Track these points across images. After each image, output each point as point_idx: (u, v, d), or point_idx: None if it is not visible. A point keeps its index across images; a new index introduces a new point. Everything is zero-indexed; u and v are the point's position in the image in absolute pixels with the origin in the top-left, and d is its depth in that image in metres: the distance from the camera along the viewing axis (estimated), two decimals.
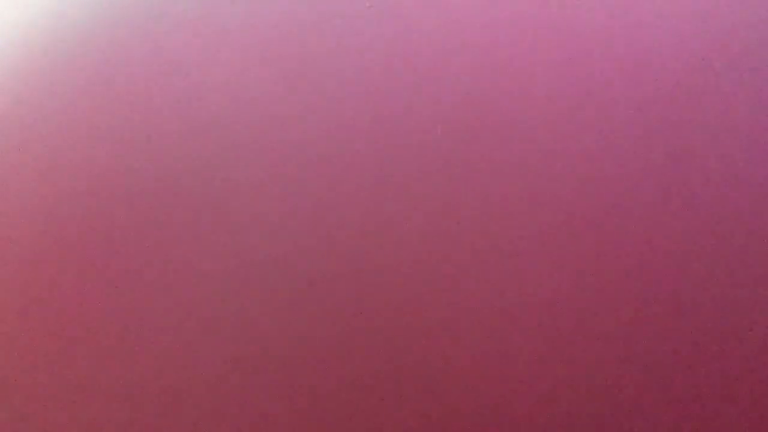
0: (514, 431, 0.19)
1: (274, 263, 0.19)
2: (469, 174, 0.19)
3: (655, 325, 0.19)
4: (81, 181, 0.21)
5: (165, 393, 0.20)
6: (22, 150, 0.21)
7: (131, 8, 0.22)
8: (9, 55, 0.23)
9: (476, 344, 0.19)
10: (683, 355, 0.19)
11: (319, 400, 0.19)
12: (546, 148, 0.19)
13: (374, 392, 0.19)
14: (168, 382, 0.20)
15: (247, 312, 0.19)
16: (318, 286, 0.19)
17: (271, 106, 0.20)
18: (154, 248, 0.20)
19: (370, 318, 0.19)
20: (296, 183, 0.20)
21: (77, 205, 0.21)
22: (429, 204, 0.19)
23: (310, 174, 0.20)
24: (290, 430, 0.19)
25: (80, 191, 0.21)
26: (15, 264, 0.21)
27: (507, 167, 0.19)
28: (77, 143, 0.21)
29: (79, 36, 0.22)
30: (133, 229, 0.20)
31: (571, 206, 0.19)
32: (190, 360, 0.20)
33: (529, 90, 0.20)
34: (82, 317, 0.20)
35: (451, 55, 0.20)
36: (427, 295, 0.19)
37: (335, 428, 0.19)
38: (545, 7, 0.20)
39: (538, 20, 0.20)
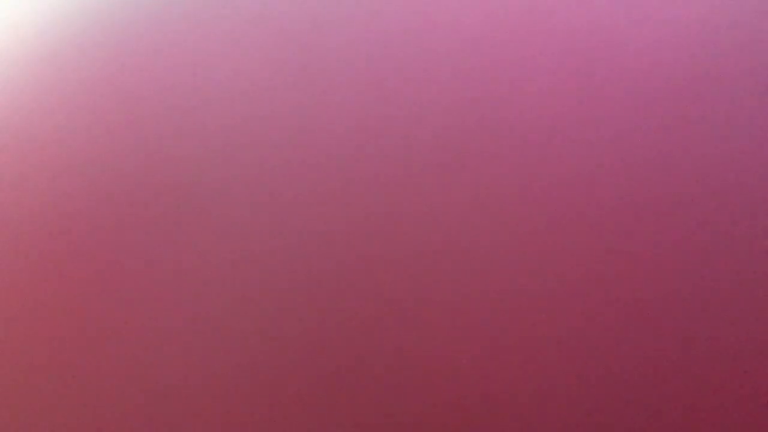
0: (513, 430, 0.19)
1: (275, 263, 0.19)
2: (468, 173, 0.19)
3: (658, 326, 0.19)
4: (80, 182, 0.21)
5: (163, 393, 0.20)
6: (17, 150, 0.21)
7: (130, 7, 0.22)
8: (8, 54, 0.23)
9: (476, 344, 0.19)
10: (684, 356, 0.19)
11: (319, 399, 0.19)
12: (548, 147, 0.19)
13: (373, 392, 0.19)
14: (166, 382, 0.20)
15: (247, 312, 0.19)
16: (318, 285, 0.19)
17: (273, 106, 0.20)
18: (154, 248, 0.20)
19: (369, 318, 0.19)
20: (297, 183, 0.20)
21: (75, 206, 0.21)
22: (430, 204, 0.19)
23: (312, 174, 0.20)
24: (290, 429, 0.19)
25: (79, 191, 0.21)
26: (10, 265, 0.21)
27: (507, 167, 0.19)
28: (75, 144, 0.21)
29: (77, 36, 0.22)
30: (132, 229, 0.20)
31: (572, 206, 0.19)
32: (189, 361, 0.20)
33: (531, 90, 0.20)
34: (79, 318, 0.20)
35: (453, 53, 0.20)
36: (428, 297, 0.19)
37: (335, 427, 0.19)
38: (549, 6, 0.20)
39: (542, 20, 0.20)
